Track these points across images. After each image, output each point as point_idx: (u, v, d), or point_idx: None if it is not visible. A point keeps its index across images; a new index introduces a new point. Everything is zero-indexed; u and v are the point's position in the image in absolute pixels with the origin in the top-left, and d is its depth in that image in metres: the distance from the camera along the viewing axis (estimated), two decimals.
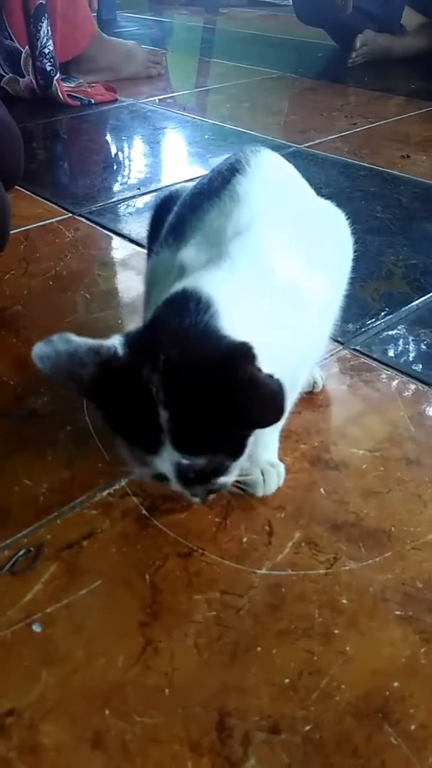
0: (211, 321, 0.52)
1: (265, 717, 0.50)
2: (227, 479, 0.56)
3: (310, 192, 0.73)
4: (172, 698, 0.52)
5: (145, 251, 0.83)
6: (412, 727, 0.50)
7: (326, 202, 0.75)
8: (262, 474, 0.68)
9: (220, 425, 0.51)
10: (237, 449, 0.54)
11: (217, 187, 0.64)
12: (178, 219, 0.67)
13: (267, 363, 0.52)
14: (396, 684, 0.52)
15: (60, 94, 1.96)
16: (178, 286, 0.56)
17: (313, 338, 0.65)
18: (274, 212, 0.63)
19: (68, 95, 1.99)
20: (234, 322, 0.53)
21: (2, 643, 0.55)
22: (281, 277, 0.59)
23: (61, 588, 0.60)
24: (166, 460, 0.52)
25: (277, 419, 0.50)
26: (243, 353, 0.49)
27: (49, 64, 1.92)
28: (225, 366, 0.49)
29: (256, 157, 0.66)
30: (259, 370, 0.49)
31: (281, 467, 0.69)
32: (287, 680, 0.53)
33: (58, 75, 1.95)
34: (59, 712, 0.51)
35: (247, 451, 0.55)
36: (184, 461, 0.51)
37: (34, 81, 1.96)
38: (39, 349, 0.50)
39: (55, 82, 1.94)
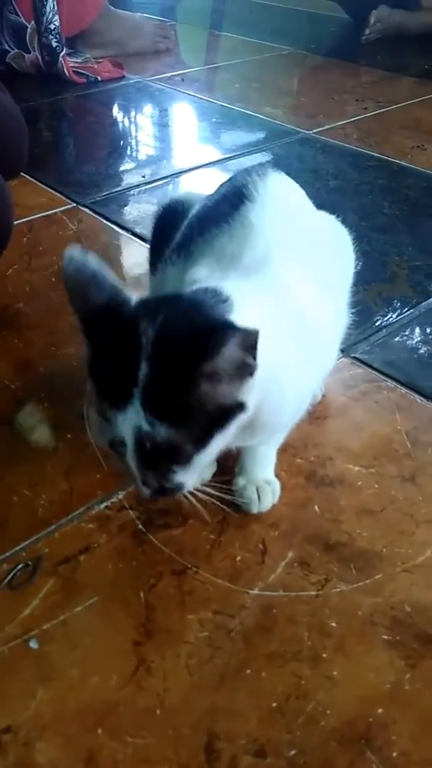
0: (221, 306, 0.53)
1: (252, 740, 0.52)
2: (184, 479, 0.54)
3: (314, 211, 0.73)
4: (163, 719, 0.53)
5: (148, 246, 0.82)
6: (394, 754, 0.51)
7: (330, 219, 0.74)
8: (257, 491, 0.69)
9: (192, 396, 0.50)
10: (200, 437, 0.52)
11: (225, 213, 0.64)
12: (185, 239, 0.67)
13: (281, 381, 0.57)
14: (380, 710, 0.54)
15: (66, 71, 1.93)
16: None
17: (323, 361, 0.67)
18: (288, 240, 0.63)
19: (74, 72, 1.95)
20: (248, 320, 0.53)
21: (0, 659, 0.57)
22: (299, 306, 0.60)
23: (58, 604, 0.61)
24: (129, 422, 0.50)
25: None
26: (232, 330, 0.49)
27: (55, 40, 1.88)
28: (208, 336, 0.49)
29: (264, 183, 0.66)
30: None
31: (276, 485, 0.70)
32: (275, 704, 0.54)
33: (64, 51, 1.92)
34: (54, 731, 0.53)
35: (210, 451, 0.53)
36: (146, 426, 0.50)
37: (39, 57, 1.93)
38: (74, 252, 0.52)
39: (61, 58, 1.91)
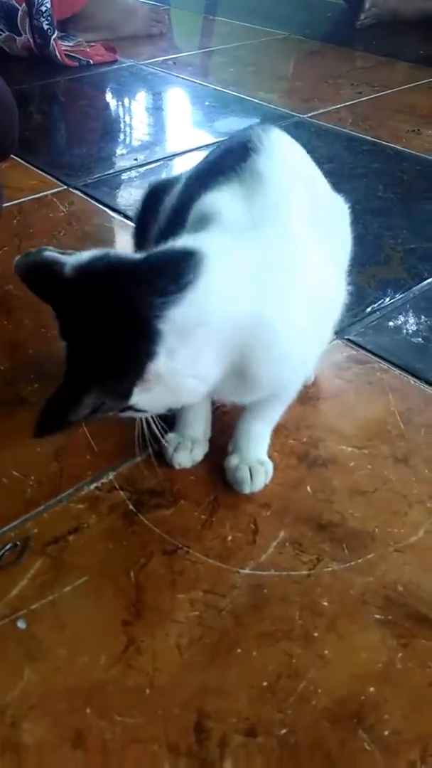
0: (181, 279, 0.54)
1: (243, 719, 0.52)
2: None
3: (322, 178, 0.71)
4: (152, 698, 0.53)
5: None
6: (386, 733, 0.51)
7: (332, 192, 0.73)
8: (250, 471, 0.68)
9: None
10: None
11: (231, 165, 0.63)
12: (184, 199, 0.66)
13: (276, 329, 0.56)
14: (372, 689, 0.53)
15: (58, 54, 1.90)
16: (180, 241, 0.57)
17: (325, 324, 0.66)
18: (296, 192, 0.62)
19: (66, 55, 1.93)
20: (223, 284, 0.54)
21: None
22: (304, 259, 0.60)
23: (47, 584, 0.60)
24: None
25: None
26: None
27: (46, 22, 1.85)
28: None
29: (269, 136, 0.65)
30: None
31: (269, 465, 0.70)
32: (266, 683, 0.54)
33: (56, 34, 1.89)
34: (41, 710, 0.52)
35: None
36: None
37: (31, 40, 1.90)
38: (17, 260, 0.59)
39: (52, 41, 1.88)
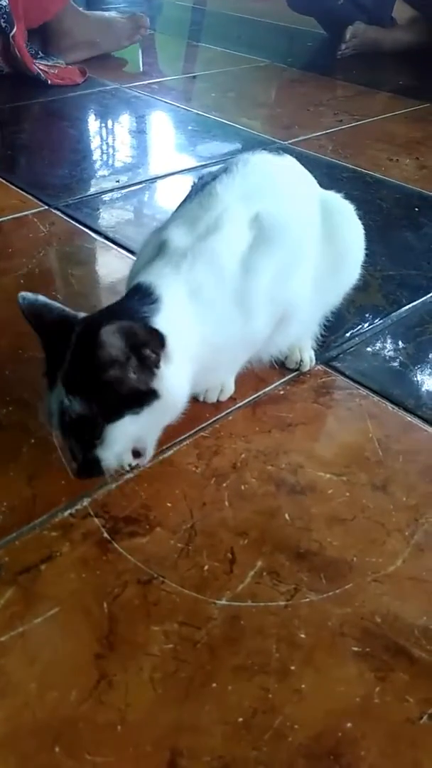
0: (146, 307, 0.65)
1: (217, 757, 0.50)
2: (102, 454, 0.63)
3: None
4: (124, 736, 0.51)
5: (120, 249, 0.83)
6: None
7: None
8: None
9: (98, 378, 0.61)
10: (110, 412, 0.62)
11: (203, 185, 0.77)
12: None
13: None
14: (349, 725, 0.52)
15: (18, 52, 1.87)
16: (142, 277, 0.69)
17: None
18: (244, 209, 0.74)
19: (33, 64, 1.92)
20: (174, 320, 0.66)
21: None
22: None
23: (17, 615, 0.59)
24: (55, 398, 0.63)
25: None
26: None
27: (3, 20, 1.83)
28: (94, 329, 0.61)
29: (247, 159, 0.79)
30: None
31: (230, 389, 0.83)
32: (241, 719, 0.52)
33: (13, 31, 1.85)
34: (8, 749, 0.50)
35: (125, 431, 0.63)
36: (66, 401, 0.62)
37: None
38: (25, 293, 0.66)
39: (11, 39, 1.86)
